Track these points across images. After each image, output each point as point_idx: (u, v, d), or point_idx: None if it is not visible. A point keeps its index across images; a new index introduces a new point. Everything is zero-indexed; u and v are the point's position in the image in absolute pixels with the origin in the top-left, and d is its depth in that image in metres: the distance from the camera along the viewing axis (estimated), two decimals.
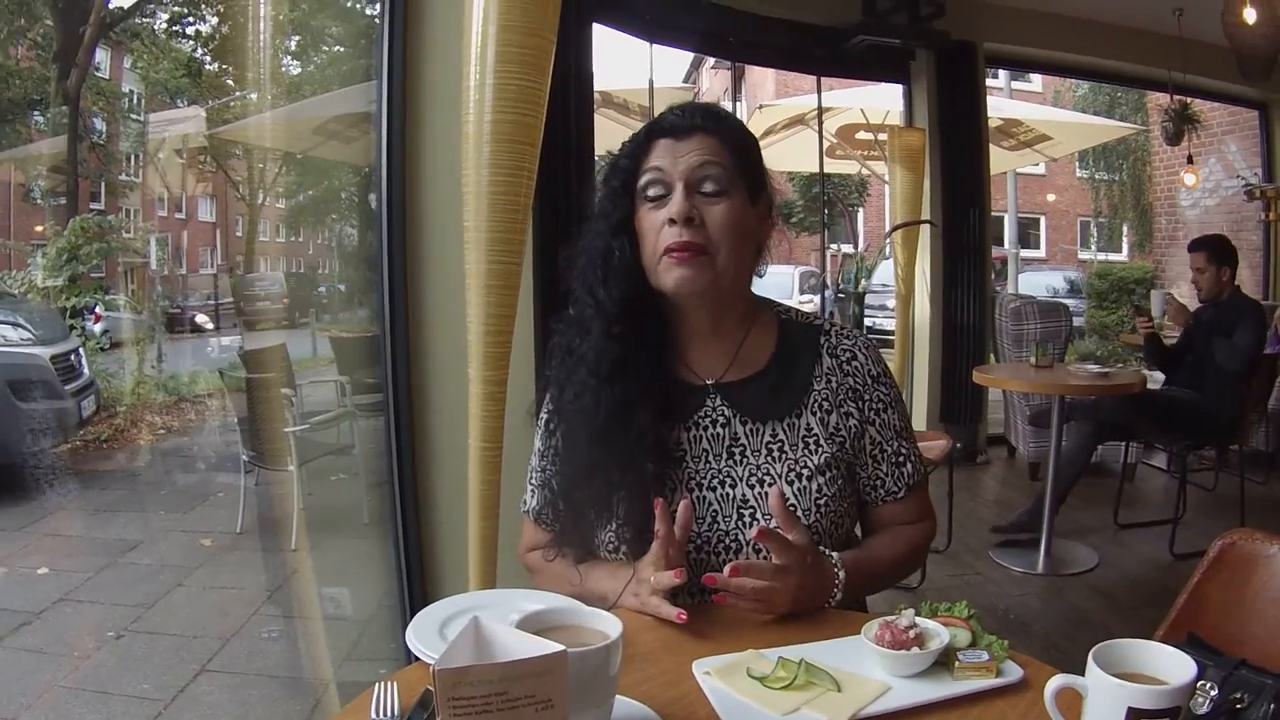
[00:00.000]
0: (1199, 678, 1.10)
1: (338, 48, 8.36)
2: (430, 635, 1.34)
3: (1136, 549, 5.02)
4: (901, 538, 1.68)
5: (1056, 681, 1.05)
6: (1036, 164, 13.97)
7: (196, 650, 3.86)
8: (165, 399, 6.82)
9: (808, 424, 1.60)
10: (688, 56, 20.25)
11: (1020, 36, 7.20)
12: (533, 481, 1.75)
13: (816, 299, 15.12)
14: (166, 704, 3.43)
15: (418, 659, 1.29)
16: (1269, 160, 9.26)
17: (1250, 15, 6.11)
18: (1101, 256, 19.85)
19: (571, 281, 1.65)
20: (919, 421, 6.83)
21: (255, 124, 7.67)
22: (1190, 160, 8.71)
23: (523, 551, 1.80)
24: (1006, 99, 12.44)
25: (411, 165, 2.98)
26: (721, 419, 1.61)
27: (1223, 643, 1.36)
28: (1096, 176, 19.94)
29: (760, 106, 9.89)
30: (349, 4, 8.21)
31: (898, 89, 7.24)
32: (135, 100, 8.15)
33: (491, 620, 0.98)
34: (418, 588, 3.06)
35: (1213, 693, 1.24)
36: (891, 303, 7.92)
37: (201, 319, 8.61)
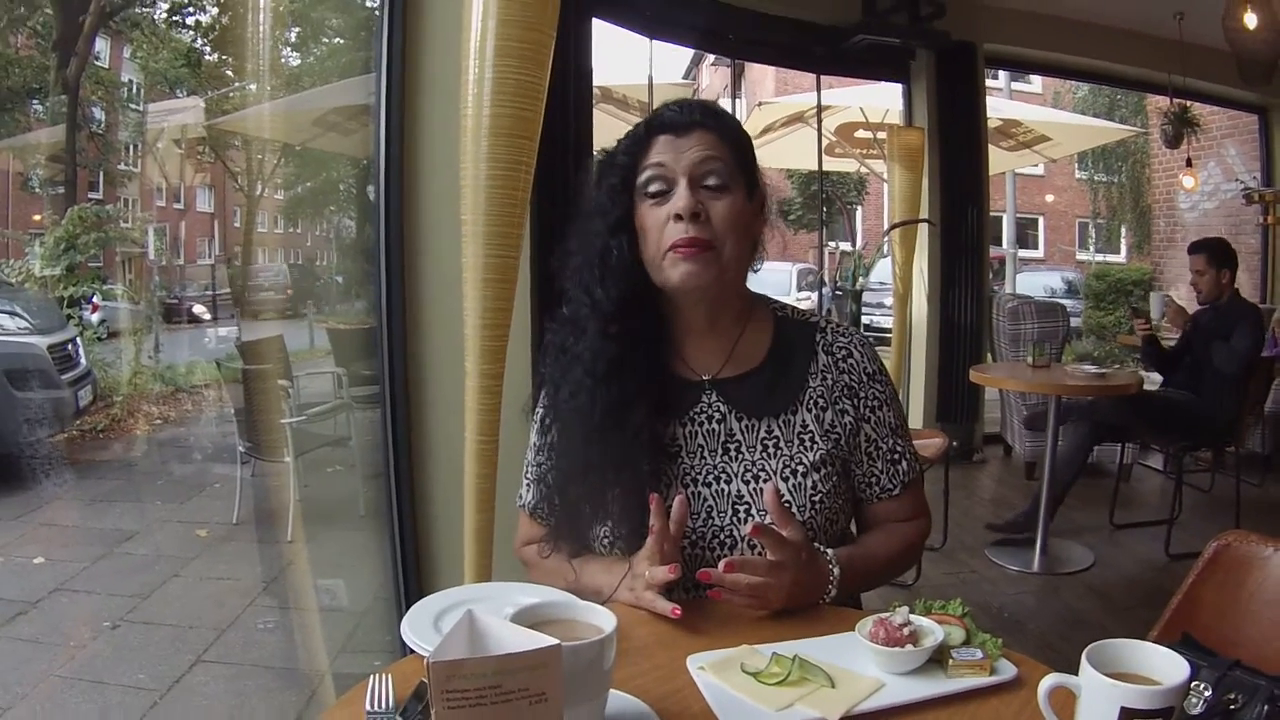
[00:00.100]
0: (1193, 678, 1.10)
1: (337, 40, 8.35)
2: (425, 628, 1.34)
3: (1132, 549, 5.02)
4: (896, 535, 1.68)
5: (1050, 680, 1.05)
6: (1035, 165, 13.99)
7: (192, 641, 3.86)
8: (162, 389, 6.81)
9: (803, 420, 1.61)
10: (687, 53, 20.22)
11: (1020, 38, 7.20)
12: (528, 476, 1.74)
13: (814, 296, 15.11)
14: (162, 694, 3.43)
15: (413, 651, 1.29)
16: (1268, 164, 9.27)
17: (1251, 20, 6.11)
18: (1099, 258, 19.88)
19: (565, 280, 1.64)
20: (915, 420, 6.84)
21: (254, 115, 7.65)
22: (1189, 163, 8.70)
23: (518, 545, 1.80)
24: (1006, 99, 12.44)
25: (410, 158, 2.98)
26: (717, 415, 1.61)
27: (1217, 644, 1.36)
28: (1095, 178, 19.97)
29: (760, 104, 9.87)
30: None
31: (897, 88, 7.24)
32: (134, 90, 8.13)
33: (486, 613, 0.98)
34: (413, 580, 3.06)
35: (1206, 694, 1.24)
36: (889, 301, 7.92)
37: (199, 309, 8.59)
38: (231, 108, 8.39)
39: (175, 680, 3.52)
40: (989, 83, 7.95)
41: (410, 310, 3.01)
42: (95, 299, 6.48)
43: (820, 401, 1.62)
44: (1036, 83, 18.15)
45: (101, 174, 7.69)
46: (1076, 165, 20.52)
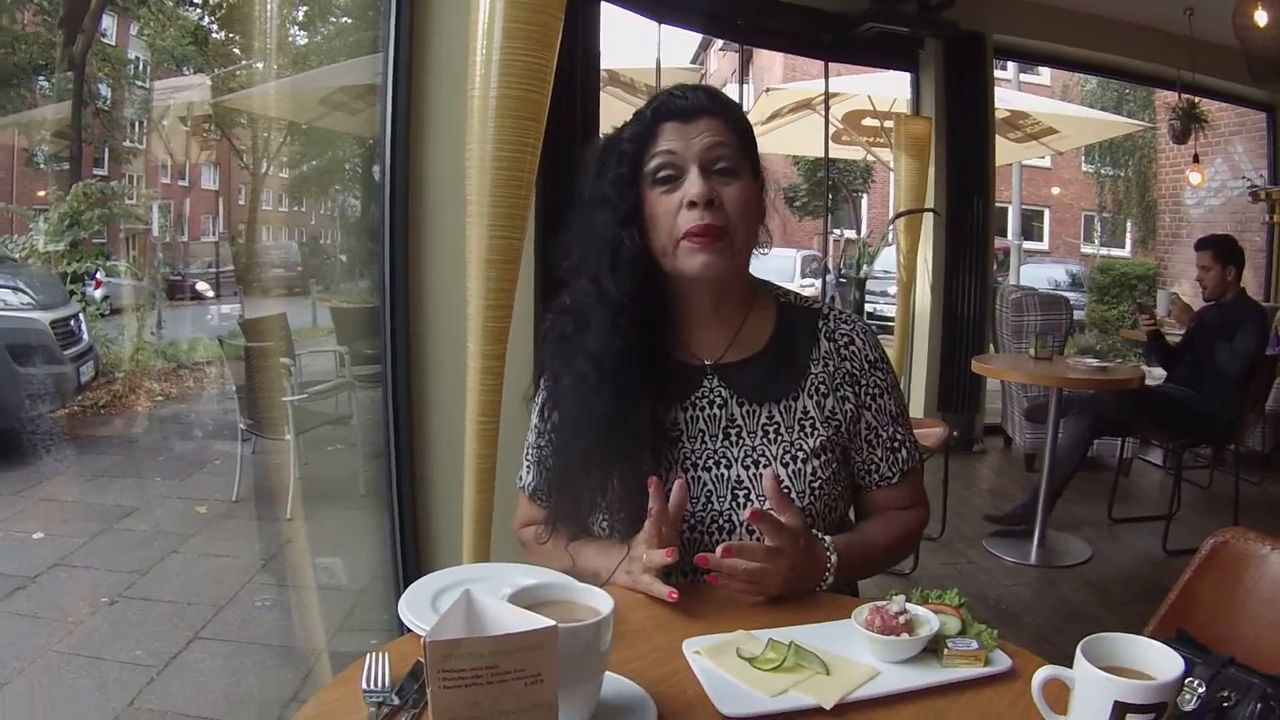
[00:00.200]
0: (1187, 675, 1.10)
1: (345, 19, 8.34)
2: (423, 607, 1.34)
3: (1130, 544, 5.03)
4: (895, 523, 1.68)
5: (1044, 673, 1.06)
6: (1042, 156, 13.95)
7: (190, 617, 3.88)
8: (164, 366, 6.82)
9: (804, 407, 1.60)
10: (696, 37, 20.15)
11: (1030, 29, 7.17)
12: (528, 458, 1.74)
13: (818, 283, 15.11)
14: (159, 670, 3.44)
15: (410, 630, 1.29)
16: (1275, 162, 9.25)
17: (1261, 17, 6.09)
18: (1104, 251, 19.80)
19: (566, 269, 1.63)
20: (917, 409, 6.84)
21: (260, 93, 7.65)
22: (1196, 159, 8.68)
23: (517, 527, 1.80)
24: (1014, 90, 12.39)
25: (416, 138, 2.98)
26: (718, 400, 1.61)
27: (1212, 641, 1.36)
28: (1102, 171, 19.88)
29: (767, 90, 9.85)
30: None
31: (905, 77, 7.21)
32: (141, 67, 8.13)
33: (484, 594, 0.98)
34: (412, 559, 3.07)
35: (1200, 690, 1.25)
36: (893, 289, 7.90)
37: (202, 286, 8.61)
38: (238, 85, 8.40)
39: (172, 656, 3.53)
40: (997, 74, 7.93)
41: (413, 290, 3.01)
42: (99, 275, 6.49)
43: (821, 388, 1.62)
44: (1045, 75, 18.08)
45: (107, 150, 7.70)
46: (1083, 158, 20.45)
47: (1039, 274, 17.24)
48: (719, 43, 20.49)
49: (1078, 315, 14.28)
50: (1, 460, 4.97)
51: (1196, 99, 8.05)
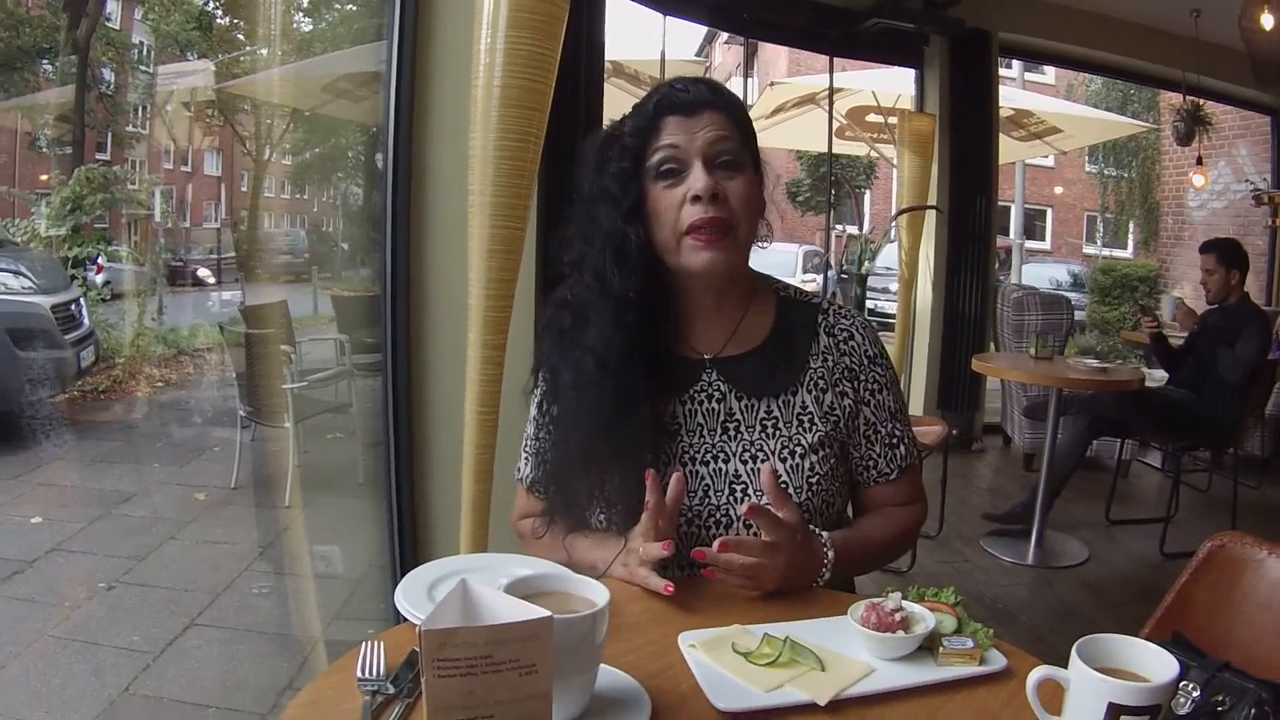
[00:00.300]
0: (1181, 678, 1.10)
1: (349, 6, 8.33)
2: (419, 596, 1.34)
3: (1127, 545, 5.03)
4: (892, 520, 1.68)
5: (1039, 673, 1.06)
6: (1046, 156, 13.93)
7: (187, 604, 3.88)
8: (164, 352, 6.81)
9: (803, 401, 1.60)
10: (701, 30, 20.10)
11: (1035, 28, 7.16)
12: (527, 450, 1.74)
13: (819, 279, 15.11)
14: (155, 656, 3.44)
15: (406, 619, 1.29)
16: (1279, 166, 9.24)
17: (1267, 21, 6.08)
18: (1106, 252, 19.80)
19: (569, 263, 1.62)
20: (916, 406, 6.85)
21: (264, 80, 7.64)
22: (1200, 161, 8.66)
23: (515, 518, 1.80)
24: (1019, 89, 12.37)
25: (419, 126, 2.97)
26: (717, 394, 1.61)
27: (1207, 644, 1.36)
28: (1105, 172, 19.86)
29: (772, 84, 9.81)
30: None
31: (910, 73, 7.21)
32: (145, 52, 8.11)
33: (480, 583, 0.98)
34: (409, 549, 3.06)
35: (1195, 694, 1.25)
36: (894, 286, 7.90)
37: (203, 273, 8.59)
38: (242, 72, 8.38)
39: (169, 643, 3.54)
40: (1002, 72, 7.92)
41: (415, 279, 3.01)
42: (100, 260, 6.48)
43: (820, 383, 1.62)
44: (1050, 74, 18.07)
45: (110, 135, 7.68)
46: (1087, 158, 20.45)
47: (1041, 273, 17.26)
48: (724, 36, 20.47)
49: (1079, 316, 14.27)
50: (1, 444, 4.96)
51: (1201, 101, 8.04)
